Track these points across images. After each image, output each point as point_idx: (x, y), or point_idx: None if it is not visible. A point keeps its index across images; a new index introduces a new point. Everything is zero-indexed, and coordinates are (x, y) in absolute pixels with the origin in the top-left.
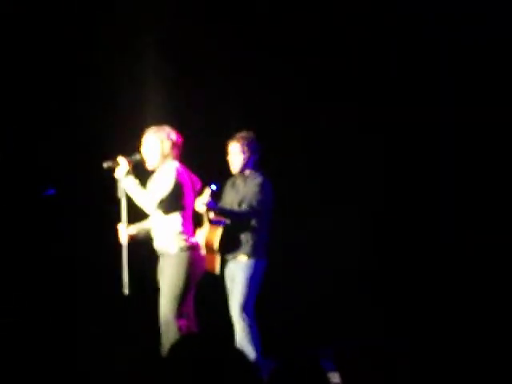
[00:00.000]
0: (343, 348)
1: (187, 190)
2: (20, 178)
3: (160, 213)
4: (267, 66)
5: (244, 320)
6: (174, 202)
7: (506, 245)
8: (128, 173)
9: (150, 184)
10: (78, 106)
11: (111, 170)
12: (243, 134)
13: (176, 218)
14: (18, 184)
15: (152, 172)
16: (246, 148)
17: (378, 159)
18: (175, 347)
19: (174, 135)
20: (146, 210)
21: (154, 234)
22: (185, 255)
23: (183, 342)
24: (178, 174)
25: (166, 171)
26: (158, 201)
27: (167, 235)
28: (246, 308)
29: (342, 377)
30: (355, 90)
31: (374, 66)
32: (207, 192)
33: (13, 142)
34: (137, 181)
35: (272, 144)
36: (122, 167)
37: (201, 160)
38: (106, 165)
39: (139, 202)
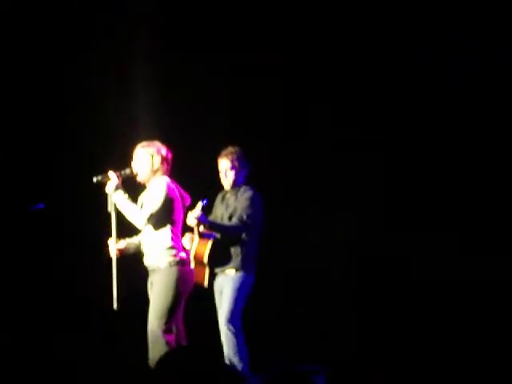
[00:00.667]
0: (336, 363)
1: (177, 205)
2: (8, 193)
3: (150, 228)
4: (254, 76)
5: (230, 331)
6: (164, 217)
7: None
8: (118, 187)
9: (141, 199)
10: (68, 119)
11: (101, 185)
12: (231, 149)
13: (166, 233)
14: (6, 199)
15: (142, 187)
16: (236, 163)
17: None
18: (162, 361)
19: (164, 150)
20: (136, 224)
21: (143, 249)
22: (174, 270)
23: (170, 355)
24: (169, 189)
25: (156, 186)
26: (148, 216)
27: (157, 250)
28: (233, 319)
29: None
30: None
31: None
32: (199, 206)
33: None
34: (126, 195)
35: (260, 157)
36: (112, 181)
37: (189, 175)
38: (95, 179)
39: (129, 216)
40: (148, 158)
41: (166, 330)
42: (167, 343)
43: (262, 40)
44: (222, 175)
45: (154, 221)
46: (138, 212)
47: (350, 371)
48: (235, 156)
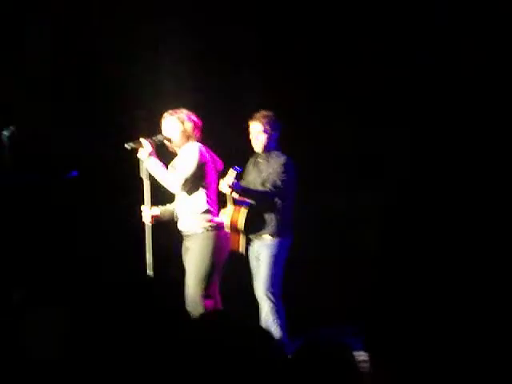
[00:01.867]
0: (373, 326)
1: (210, 169)
2: (42, 161)
3: (184, 193)
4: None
5: (269, 299)
6: (197, 181)
7: None
8: (150, 154)
9: (173, 164)
10: (99, 87)
11: (134, 151)
12: (264, 112)
13: (200, 197)
14: (41, 167)
15: (174, 154)
16: (267, 127)
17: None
18: (198, 324)
19: (193, 117)
20: (171, 190)
21: (178, 215)
22: (210, 235)
23: (207, 318)
24: (201, 154)
25: (188, 151)
26: (182, 180)
27: (192, 215)
28: (271, 287)
29: (370, 356)
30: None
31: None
32: (231, 173)
33: (36, 123)
34: (159, 161)
35: (293, 124)
36: (144, 148)
37: (219, 141)
38: (128, 146)
39: (163, 182)
40: (179, 125)
41: (205, 296)
42: (206, 308)
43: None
44: (253, 138)
45: (187, 185)
46: (172, 177)
47: (386, 334)
48: (267, 119)
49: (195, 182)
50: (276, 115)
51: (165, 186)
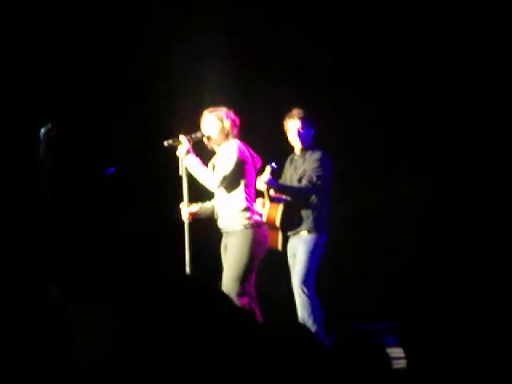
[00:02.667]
0: (410, 323)
1: (249, 167)
2: (81, 158)
3: (223, 190)
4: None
5: (304, 293)
6: (236, 179)
7: None
8: (189, 151)
9: (212, 162)
10: (137, 83)
11: (173, 148)
12: (299, 110)
13: (239, 195)
14: (80, 164)
15: (211, 152)
16: (304, 124)
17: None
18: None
19: (232, 114)
20: (209, 187)
21: (217, 212)
22: (250, 232)
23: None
24: (240, 151)
25: (227, 149)
26: (221, 178)
27: (231, 212)
28: (307, 282)
29: (407, 352)
30: None
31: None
32: (267, 170)
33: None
34: (198, 159)
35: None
36: (183, 145)
37: (258, 139)
38: (166, 143)
39: (202, 179)
40: (218, 123)
41: (241, 293)
42: (242, 306)
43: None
44: (290, 137)
45: (226, 183)
46: (211, 175)
47: (422, 330)
48: (303, 117)
49: (234, 179)
50: (312, 112)
51: (203, 184)
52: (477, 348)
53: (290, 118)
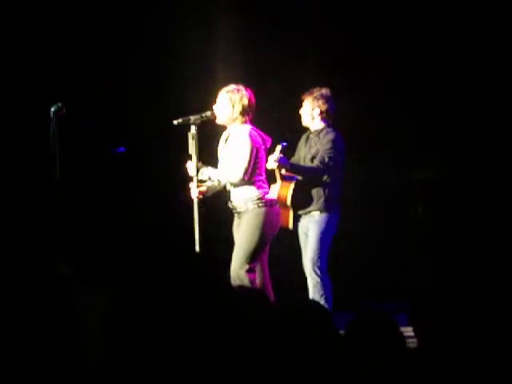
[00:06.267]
0: (419, 302)
1: (261, 151)
2: (91, 137)
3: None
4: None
5: (316, 273)
6: (254, 167)
7: None
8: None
9: (224, 150)
10: (148, 61)
11: (183, 127)
12: (315, 90)
13: (252, 177)
14: (90, 143)
15: (223, 127)
16: (320, 103)
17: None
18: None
19: (247, 98)
20: (231, 182)
21: (229, 193)
22: (262, 211)
23: (255, 294)
24: (252, 139)
25: (240, 139)
26: (243, 171)
27: (244, 192)
28: (319, 262)
29: (416, 331)
30: None
31: None
32: (278, 149)
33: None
34: (210, 167)
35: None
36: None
37: (273, 118)
38: (176, 122)
39: (222, 178)
40: (229, 106)
41: (249, 270)
42: (250, 282)
43: None
44: (305, 115)
45: (248, 174)
46: (231, 172)
47: (432, 310)
48: (319, 96)
49: (251, 167)
50: (328, 91)
51: (225, 179)
52: (487, 328)
53: (305, 97)
